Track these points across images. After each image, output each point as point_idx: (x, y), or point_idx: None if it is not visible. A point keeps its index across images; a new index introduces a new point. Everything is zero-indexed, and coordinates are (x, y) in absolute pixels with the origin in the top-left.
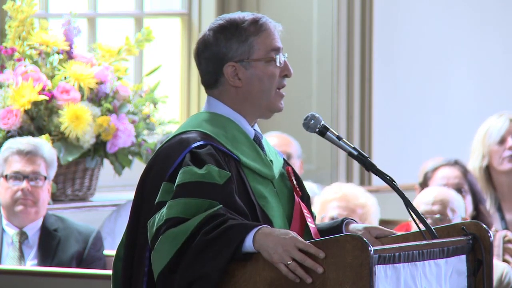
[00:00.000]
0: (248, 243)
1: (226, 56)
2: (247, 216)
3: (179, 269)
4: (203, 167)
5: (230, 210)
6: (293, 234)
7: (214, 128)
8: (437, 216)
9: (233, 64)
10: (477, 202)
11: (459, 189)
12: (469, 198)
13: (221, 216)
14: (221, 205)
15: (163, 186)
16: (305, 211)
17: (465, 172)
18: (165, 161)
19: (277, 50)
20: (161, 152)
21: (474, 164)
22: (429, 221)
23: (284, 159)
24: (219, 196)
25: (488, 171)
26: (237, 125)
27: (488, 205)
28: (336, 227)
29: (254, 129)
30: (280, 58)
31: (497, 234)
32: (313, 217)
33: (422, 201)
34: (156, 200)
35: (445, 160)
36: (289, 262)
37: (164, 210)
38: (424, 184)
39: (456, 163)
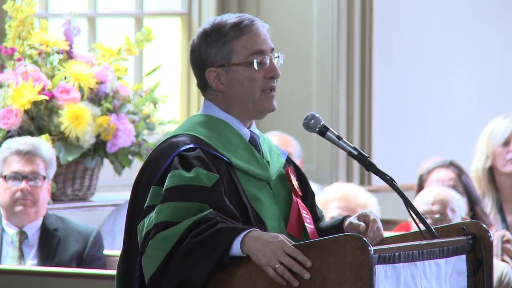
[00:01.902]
0: (236, 247)
1: (207, 61)
2: (237, 218)
3: (167, 272)
4: (191, 171)
5: (220, 214)
6: (282, 238)
7: (206, 131)
8: (437, 216)
9: (215, 70)
10: (472, 203)
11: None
12: (464, 200)
13: (211, 220)
14: (211, 209)
15: (152, 190)
16: (304, 212)
17: (460, 173)
18: (155, 164)
19: (259, 52)
20: (152, 156)
21: (478, 165)
22: (429, 221)
23: (288, 159)
24: (208, 199)
25: (491, 172)
26: (232, 127)
27: (490, 206)
28: (337, 226)
29: (250, 131)
30: (264, 61)
31: (495, 234)
32: (321, 215)
33: (422, 201)
34: (145, 204)
35: (439, 162)
36: (276, 266)
37: (153, 214)
38: (419, 186)
39: (451, 164)
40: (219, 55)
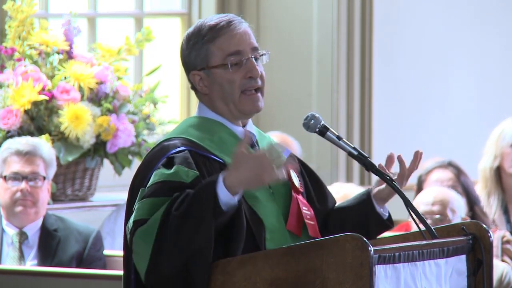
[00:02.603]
0: (223, 194)
1: (189, 65)
2: None
3: (163, 256)
4: (172, 168)
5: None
6: (242, 155)
7: (199, 133)
8: (437, 216)
9: (197, 73)
10: (472, 203)
11: None
12: (463, 200)
13: (183, 193)
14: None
15: (140, 192)
16: (305, 208)
17: (458, 173)
18: (147, 168)
19: (234, 53)
20: (145, 160)
21: (485, 164)
22: (429, 221)
23: (292, 156)
24: None
25: (498, 172)
26: (226, 127)
27: (495, 206)
28: (364, 202)
29: (245, 130)
30: (241, 61)
31: (495, 235)
32: (334, 202)
33: (422, 201)
34: (134, 206)
35: (438, 162)
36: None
37: (133, 213)
38: (419, 187)
39: (449, 164)
40: (198, 59)
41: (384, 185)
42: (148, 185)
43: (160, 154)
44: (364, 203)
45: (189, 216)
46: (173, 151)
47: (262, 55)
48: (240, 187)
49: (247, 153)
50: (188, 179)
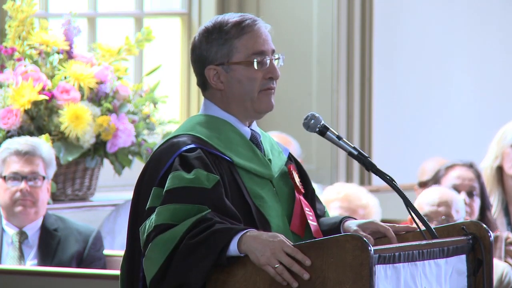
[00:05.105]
0: (233, 247)
1: (207, 59)
2: (237, 218)
3: (167, 275)
4: (191, 172)
5: (219, 214)
6: (281, 237)
7: (207, 130)
8: (443, 217)
9: (214, 67)
10: (485, 207)
11: (470, 192)
12: (478, 202)
13: (209, 220)
14: (210, 210)
15: (153, 191)
16: (307, 209)
17: (478, 176)
18: (156, 165)
19: (259, 53)
20: (153, 157)
21: (487, 163)
22: (434, 222)
23: (289, 156)
24: (208, 200)
25: (499, 172)
26: (232, 126)
27: (495, 206)
28: (335, 229)
29: (251, 129)
30: (265, 61)
31: (499, 236)
32: (323, 212)
33: (426, 202)
34: (147, 206)
35: (461, 161)
36: (276, 266)
37: (153, 216)
38: (436, 181)
39: (471, 166)
40: (219, 53)
41: (354, 225)
42: (167, 188)
43: (170, 152)
44: (334, 231)
45: (197, 251)
46: (184, 148)
47: (277, 58)
48: (248, 252)
49: (286, 256)
50: (209, 184)
